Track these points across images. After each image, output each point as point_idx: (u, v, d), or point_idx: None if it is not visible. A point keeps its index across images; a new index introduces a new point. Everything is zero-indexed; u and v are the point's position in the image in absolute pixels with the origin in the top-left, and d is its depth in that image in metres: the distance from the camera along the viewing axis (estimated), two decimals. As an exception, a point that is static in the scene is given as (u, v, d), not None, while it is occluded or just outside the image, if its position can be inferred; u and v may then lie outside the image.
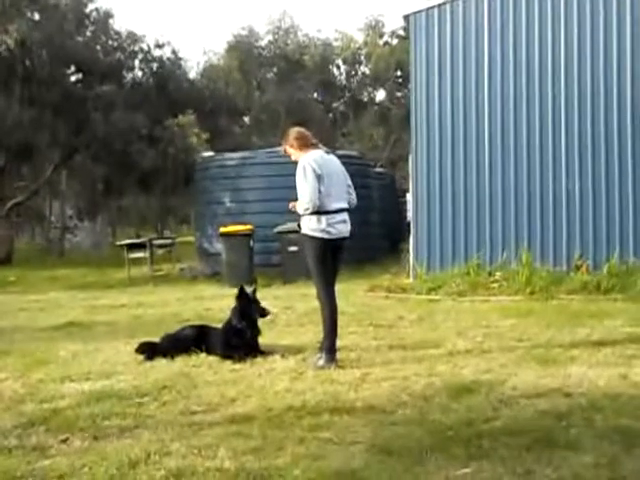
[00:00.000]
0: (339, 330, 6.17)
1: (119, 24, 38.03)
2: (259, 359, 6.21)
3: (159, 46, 24.52)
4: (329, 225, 6.03)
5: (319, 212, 5.99)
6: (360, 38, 34.46)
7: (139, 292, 13.18)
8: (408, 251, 12.55)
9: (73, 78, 23.56)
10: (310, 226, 6.07)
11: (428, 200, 11.83)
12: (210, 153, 18.71)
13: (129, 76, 24.47)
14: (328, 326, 6.05)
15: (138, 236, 26.45)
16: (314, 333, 7.00)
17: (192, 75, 28.46)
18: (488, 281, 10.84)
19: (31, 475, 3.69)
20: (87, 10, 22.93)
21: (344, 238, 6.19)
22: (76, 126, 21.47)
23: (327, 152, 6.31)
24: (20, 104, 20.26)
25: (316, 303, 6.30)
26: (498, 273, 10.99)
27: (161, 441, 4.11)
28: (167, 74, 24.13)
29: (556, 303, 9.56)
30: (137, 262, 15.79)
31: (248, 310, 6.48)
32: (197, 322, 7.60)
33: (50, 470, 3.74)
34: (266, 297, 7.85)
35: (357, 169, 13.77)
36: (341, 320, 6.32)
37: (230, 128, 28.88)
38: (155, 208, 35.39)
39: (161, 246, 17.48)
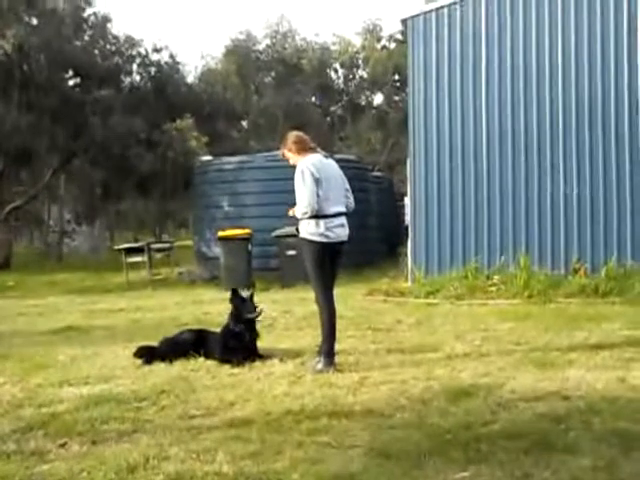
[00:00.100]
0: (337, 334, 6.18)
1: (117, 28, 37.98)
2: (257, 363, 6.21)
3: (157, 50, 24.54)
4: (327, 229, 6.04)
5: (317, 216, 6.00)
6: (358, 42, 34.47)
7: (137, 296, 13.18)
8: (406, 255, 12.54)
9: (71, 83, 23.57)
10: (308, 230, 6.07)
11: (426, 204, 11.83)
12: (208, 157, 18.73)
13: (127, 80, 24.49)
14: (326, 330, 6.05)
15: (136, 240, 26.39)
16: (312, 337, 7.00)
17: (190, 79, 28.52)
18: (486, 285, 10.85)
19: (29, 480, 3.69)
20: (85, 15, 22.93)
21: (342, 242, 6.19)
22: (74, 130, 21.48)
23: (325, 156, 6.32)
24: (18, 109, 20.27)
25: (314, 307, 6.31)
26: (496, 277, 10.99)
27: (160, 445, 4.10)
28: (165, 78, 24.12)
29: (554, 306, 9.57)
30: (135, 266, 15.79)
31: (243, 308, 6.47)
32: (195, 326, 7.62)
33: (49, 475, 3.74)
34: (264, 301, 7.86)
35: (355, 173, 13.78)
36: (339, 324, 6.32)
37: (228, 132, 28.88)
38: (153, 212, 35.33)
39: (159, 250, 17.45)
